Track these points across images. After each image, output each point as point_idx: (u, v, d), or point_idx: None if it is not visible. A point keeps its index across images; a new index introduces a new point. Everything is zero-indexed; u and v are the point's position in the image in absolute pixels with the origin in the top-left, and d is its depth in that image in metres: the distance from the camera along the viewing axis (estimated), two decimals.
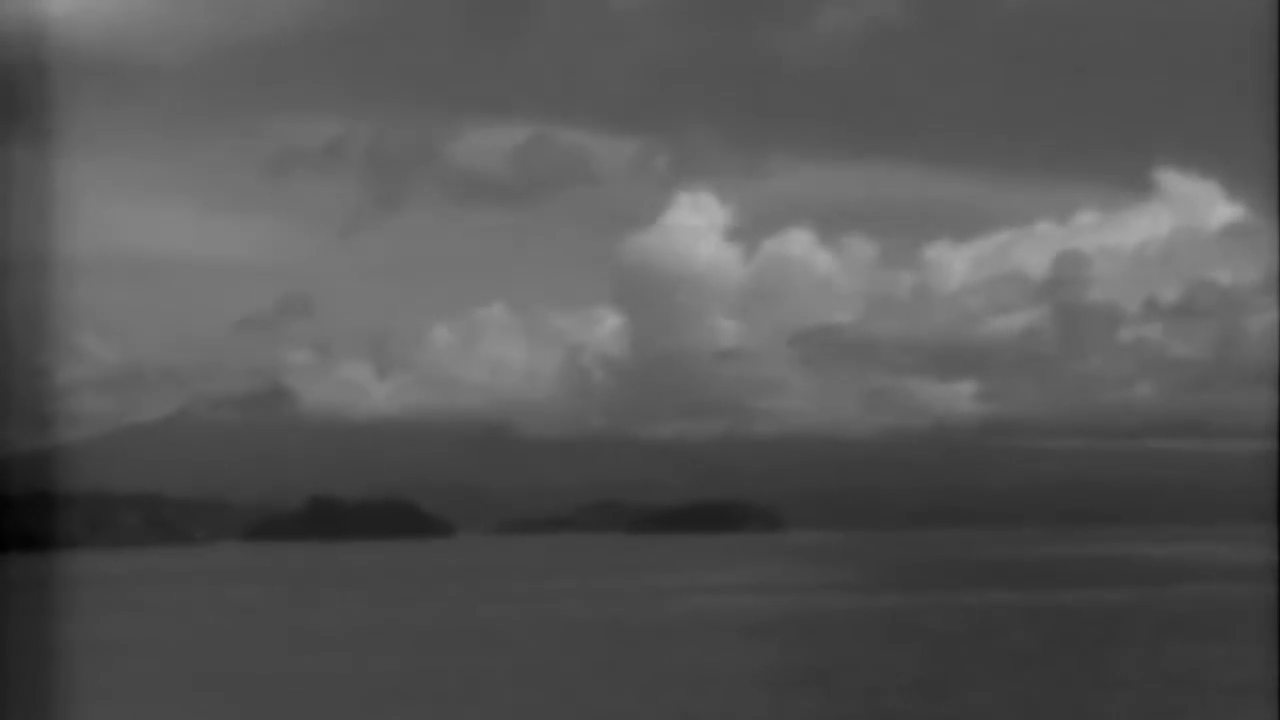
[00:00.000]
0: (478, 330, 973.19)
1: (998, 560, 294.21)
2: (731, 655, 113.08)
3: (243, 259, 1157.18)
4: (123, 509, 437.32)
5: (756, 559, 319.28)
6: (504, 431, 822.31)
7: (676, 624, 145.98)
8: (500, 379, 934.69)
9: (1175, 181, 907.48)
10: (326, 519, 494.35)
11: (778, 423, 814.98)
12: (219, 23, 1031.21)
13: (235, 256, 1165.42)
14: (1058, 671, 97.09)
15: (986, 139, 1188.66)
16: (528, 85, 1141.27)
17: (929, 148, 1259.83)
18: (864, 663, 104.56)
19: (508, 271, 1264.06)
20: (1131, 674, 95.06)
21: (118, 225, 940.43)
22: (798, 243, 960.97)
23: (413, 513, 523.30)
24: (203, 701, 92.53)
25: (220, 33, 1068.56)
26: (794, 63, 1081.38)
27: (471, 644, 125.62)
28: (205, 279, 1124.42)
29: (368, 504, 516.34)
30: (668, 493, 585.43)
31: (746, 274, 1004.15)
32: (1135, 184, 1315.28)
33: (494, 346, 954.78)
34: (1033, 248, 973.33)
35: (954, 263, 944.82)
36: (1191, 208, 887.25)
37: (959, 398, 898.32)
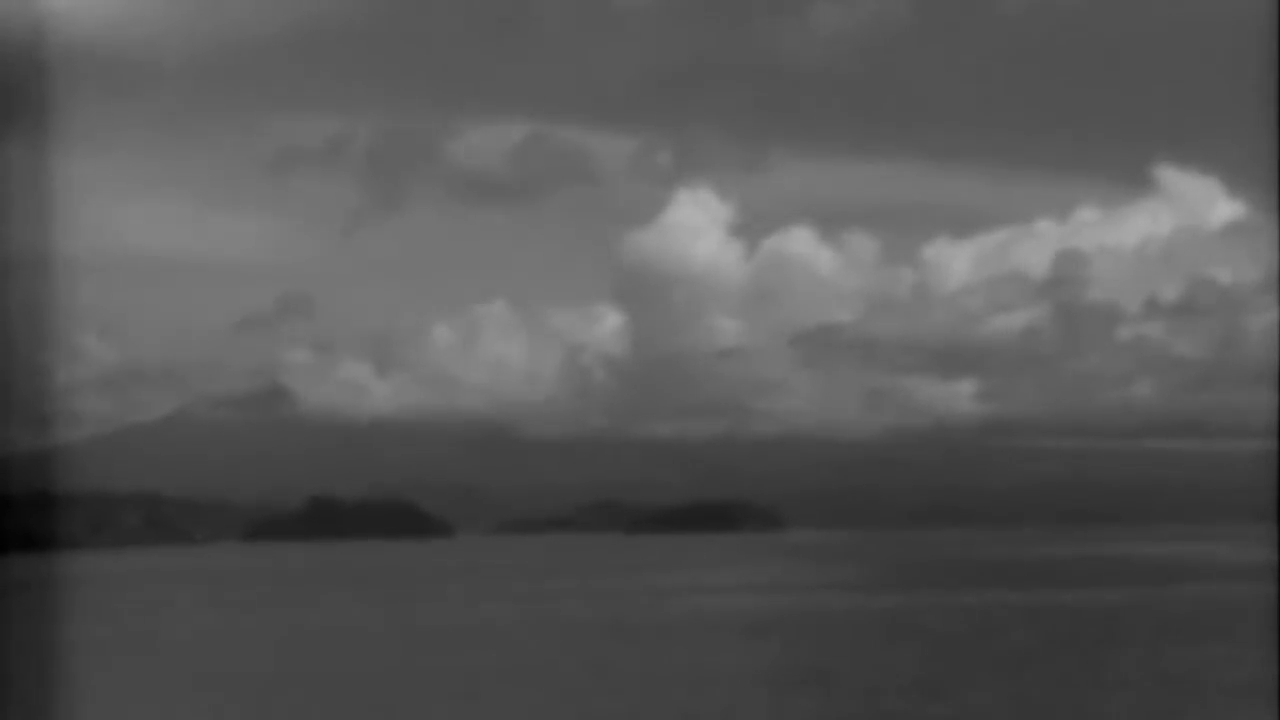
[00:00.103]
0: (478, 329, 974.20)
1: (998, 560, 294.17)
2: (731, 655, 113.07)
3: (243, 258, 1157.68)
4: (123, 509, 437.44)
5: (756, 559, 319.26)
6: (504, 431, 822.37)
7: (676, 624, 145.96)
8: (500, 378, 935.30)
9: (1175, 179, 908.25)
10: (326, 519, 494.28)
11: (778, 422, 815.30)
12: (219, 22, 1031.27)
13: (235, 256, 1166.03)
14: (1057, 672, 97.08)
15: (987, 137, 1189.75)
16: (528, 84, 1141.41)
17: (929, 146, 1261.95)
18: (863, 663, 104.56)
19: (508, 270, 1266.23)
20: (1131, 674, 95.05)
21: (118, 225, 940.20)
22: (798, 241, 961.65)
23: (412, 513, 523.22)
24: (203, 702, 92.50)
25: (220, 32, 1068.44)
26: (794, 60, 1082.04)
27: (470, 644, 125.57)
28: (205, 279, 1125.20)
29: (368, 504, 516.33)
30: (668, 492, 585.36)
31: (747, 272, 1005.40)
32: (1135, 182, 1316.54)
33: (494, 346, 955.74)
34: (1033, 246, 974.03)
35: (954, 261, 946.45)
36: (1192, 206, 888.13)
37: (959, 397, 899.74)
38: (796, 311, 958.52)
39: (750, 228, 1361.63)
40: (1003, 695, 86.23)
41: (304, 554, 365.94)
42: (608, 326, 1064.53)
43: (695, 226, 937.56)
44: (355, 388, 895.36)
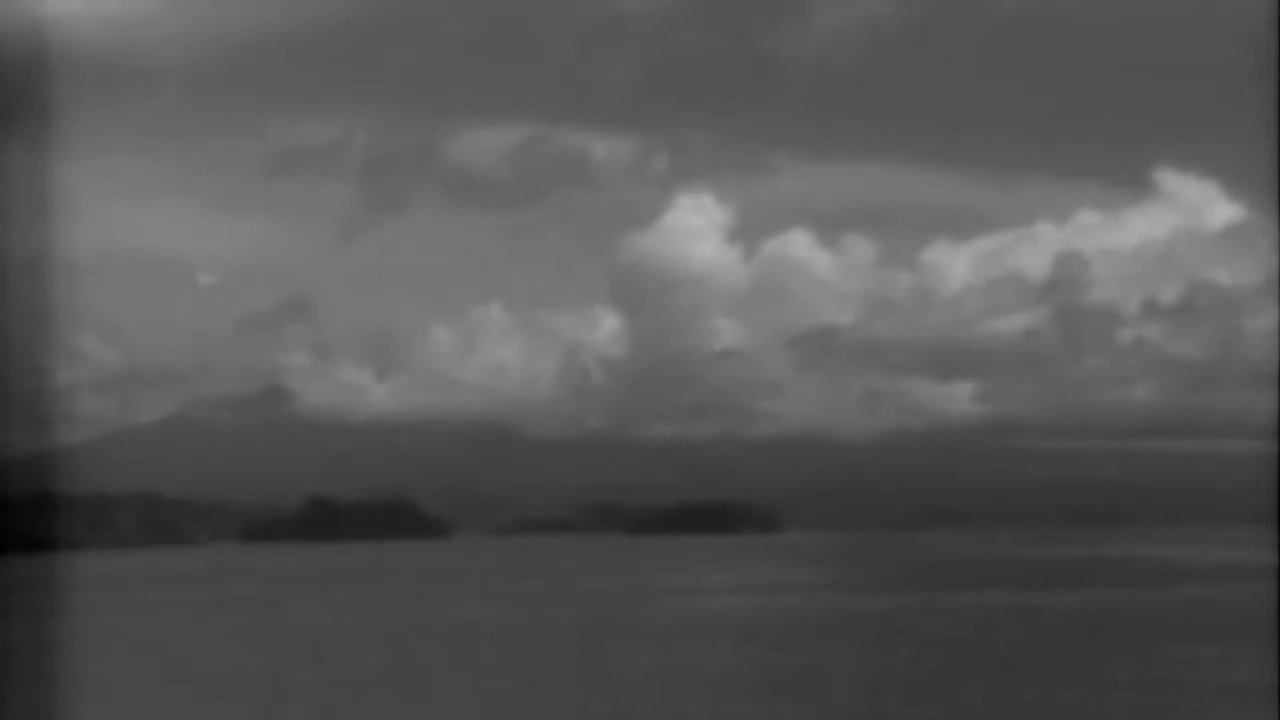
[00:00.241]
0: (476, 331, 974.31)
1: (996, 561, 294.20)
2: (726, 657, 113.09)
3: (242, 260, 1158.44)
4: (122, 510, 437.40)
5: (755, 560, 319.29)
6: (503, 432, 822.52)
7: (673, 625, 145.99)
8: (499, 380, 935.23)
9: (1175, 181, 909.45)
10: (325, 520, 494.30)
11: (777, 424, 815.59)
12: (219, 24, 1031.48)
13: (235, 258, 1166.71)
14: (1054, 673, 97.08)
15: (986, 139, 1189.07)
16: (526, 86, 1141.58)
17: (928, 148, 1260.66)
18: (859, 664, 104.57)
19: (507, 272, 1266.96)
20: (1126, 675, 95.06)
21: (118, 226, 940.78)
22: (797, 243, 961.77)
23: (411, 513, 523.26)
24: (202, 702, 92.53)
25: (220, 34, 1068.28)
26: (794, 63, 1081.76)
27: (470, 645, 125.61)
28: (205, 280, 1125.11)
29: (367, 505, 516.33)
30: (666, 493, 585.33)
31: (746, 275, 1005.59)
32: (1135, 184, 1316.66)
33: (493, 347, 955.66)
34: (1032, 249, 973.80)
35: (953, 264, 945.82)
36: (1191, 208, 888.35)
37: (958, 398, 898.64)
38: (796, 313, 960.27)
39: (749, 230, 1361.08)
40: (998, 697, 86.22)
41: (303, 555, 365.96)
42: (607, 328, 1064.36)
43: (694, 229, 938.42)
44: (354, 389, 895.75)
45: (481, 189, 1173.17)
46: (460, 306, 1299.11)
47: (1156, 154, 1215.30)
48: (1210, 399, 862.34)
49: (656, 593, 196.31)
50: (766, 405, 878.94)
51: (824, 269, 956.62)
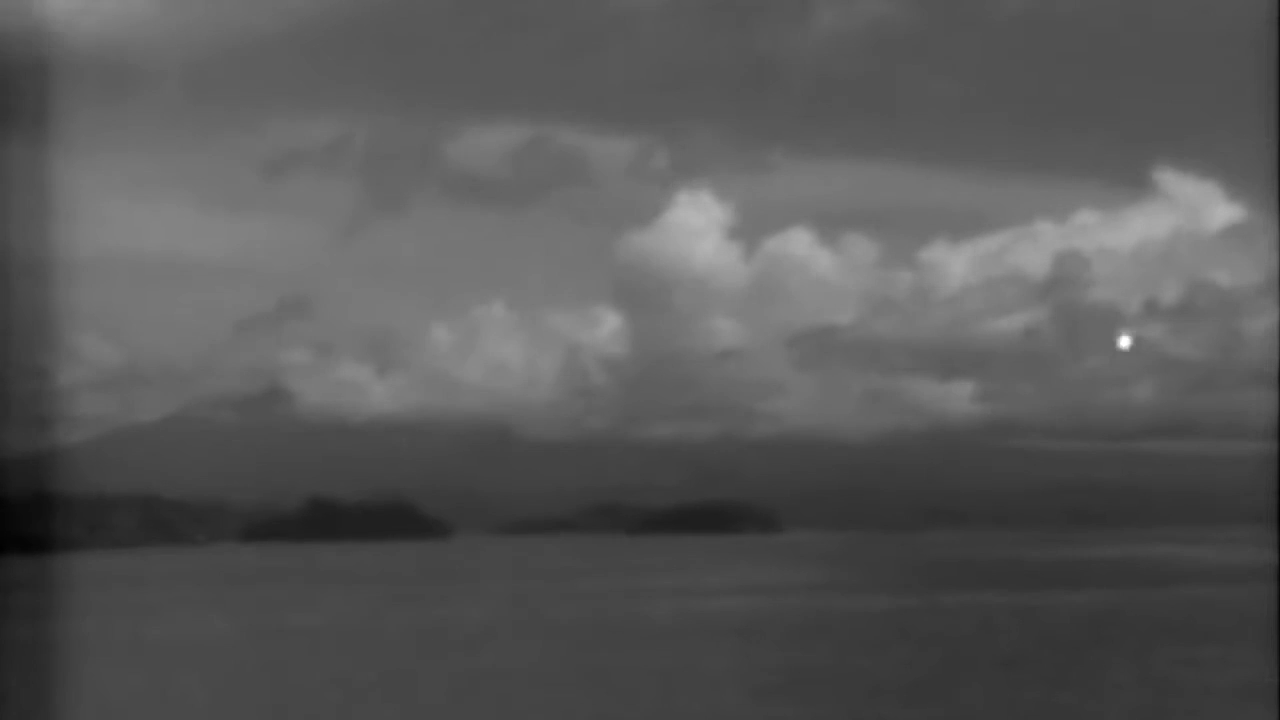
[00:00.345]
0: (477, 331, 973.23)
1: (996, 561, 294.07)
2: (724, 657, 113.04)
3: (242, 259, 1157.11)
4: (121, 510, 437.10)
5: (755, 560, 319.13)
6: (503, 432, 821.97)
7: (671, 625, 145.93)
8: (499, 380, 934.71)
9: (1175, 181, 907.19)
10: (325, 520, 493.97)
11: (777, 424, 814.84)
12: (219, 23, 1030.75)
13: (235, 257, 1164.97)
14: (1055, 674, 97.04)
15: (985, 138, 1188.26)
16: (527, 85, 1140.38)
17: (928, 147, 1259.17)
18: (857, 665, 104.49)
19: (507, 272, 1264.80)
20: (1128, 676, 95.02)
21: (117, 225, 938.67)
22: (797, 243, 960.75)
23: (411, 514, 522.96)
24: (201, 701, 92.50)
25: (220, 33, 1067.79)
26: (793, 62, 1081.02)
27: (469, 645, 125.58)
28: (205, 279, 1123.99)
29: (366, 505, 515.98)
30: (667, 494, 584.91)
31: (746, 274, 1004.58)
32: (1135, 184, 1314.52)
33: (493, 347, 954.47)
34: (1032, 248, 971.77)
35: (953, 263, 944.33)
36: (1191, 208, 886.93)
37: (958, 399, 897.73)
38: (796, 313, 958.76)
39: (749, 229, 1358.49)
40: (998, 697, 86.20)
41: (303, 555, 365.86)
42: (607, 328, 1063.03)
43: (694, 228, 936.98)
44: (355, 389, 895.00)
45: (481, 188, 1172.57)
46: (460, 306, 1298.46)
47: (1156, 154, 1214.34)
48: (1210, 399, 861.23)
49: (656, 593, 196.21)
50: (766, 405, 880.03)
51: (824, 268, 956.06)
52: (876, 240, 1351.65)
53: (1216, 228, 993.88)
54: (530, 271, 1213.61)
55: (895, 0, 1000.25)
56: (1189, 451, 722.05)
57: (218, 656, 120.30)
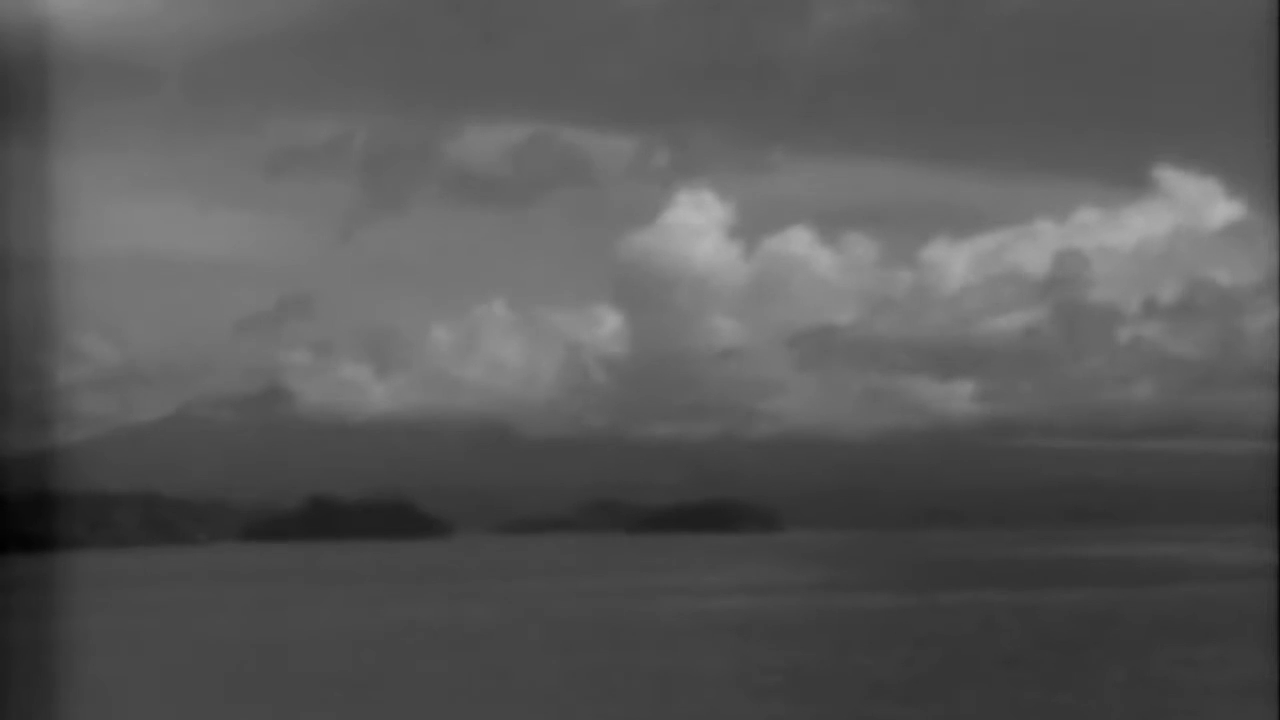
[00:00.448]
0: (477, 330, 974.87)
1: (996, 560, 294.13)
2: (721, 656, 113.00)
3: (242, 258, 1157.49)
4: (122, 509, 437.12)
5: (755, 559, 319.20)
6: (503, 431, 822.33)
7: (669, 624, 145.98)
8: (499, 378, 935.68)
9: (1175, 180, 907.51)
10: (325, 519, 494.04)
11: (777, 423, 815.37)
12: (219, 22, 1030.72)
13: (235, 256, 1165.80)
14: (1055, 673, 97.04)
15: (985, 137, 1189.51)
16: (527, 84, 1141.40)
17: (929, 146, 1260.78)
18: (859, 664, 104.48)
19: (507, 271, 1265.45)
20: (1127, 675, 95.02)
21: (117, 225, 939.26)
22: (798, 242, 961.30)
23: (411, 513, 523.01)
24: (200, 701, 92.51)
25: (220, 31, 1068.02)
26: (794, 61, 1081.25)
27: (466, 644, 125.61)
28: (205, 279, 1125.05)
29: (367, 504, 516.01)
30: (667, 493, 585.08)
31: (746, 273, 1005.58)
32: (1135, 183, 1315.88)
33: (493, 346, 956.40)
34: (1032, 247, 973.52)
35: (953, 262, 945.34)
36: (1191, 207, 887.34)
37: (958, 398, 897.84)
38: (796, 312, 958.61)
39: (749, 228, 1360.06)
40: (997, 697, 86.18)
41: (303, 554, 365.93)
42: (607, 327, 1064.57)
43: (695, 227, 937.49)
44: (355, 388, 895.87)
45: (482, 187, 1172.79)
46: (461, 305, 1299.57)
47: (1156, 152, 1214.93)
48: (1210, 398, 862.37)
49: (656, 591, 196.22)
50: (766, 404, 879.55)
51: (824, 267, 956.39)
52: (876, 239, 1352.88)
53: (1216, 226, 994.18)
54: (530, 271, 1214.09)
55: None
56: (1189, 450, 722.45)
57: (217, 656, 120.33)
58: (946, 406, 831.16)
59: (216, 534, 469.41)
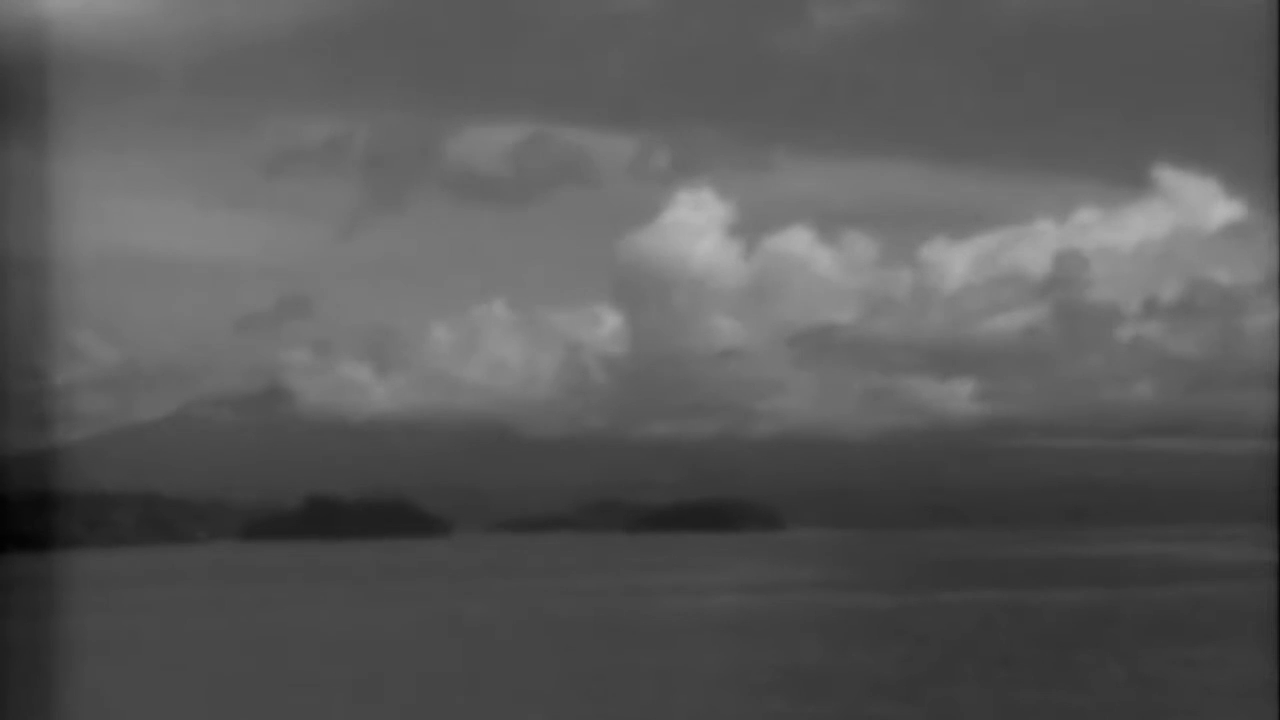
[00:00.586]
0: (477, 329, 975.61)
1: (995, 560, 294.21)
2: (718, 655, 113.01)
3: (242, 258, 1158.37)
4: (121, 508, 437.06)
5: (755, 558, 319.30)
6: (503, 431, 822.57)
7: (667, 623, 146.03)
8: (499, 378, 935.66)
9: (1174, 179, 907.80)
10: (325, 518, 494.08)
11: (777, 422, 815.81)
12: (218, 22, 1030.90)
13: (235, 256, 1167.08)
14: (1054, 673, 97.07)
15: (985, 137, 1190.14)
16: (526, 83, 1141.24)
17: (928, 146, 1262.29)
18: (857, 663, 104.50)
19: (507, 270, 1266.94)
20: (1127, 675, 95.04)
21: (117, 224, 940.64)
22: (797, 241, 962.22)
23: (411, 512, 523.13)
24: (199, 701, 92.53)
25: (220, 32, 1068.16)
26: (793, 60, 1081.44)
27: (465, 643, 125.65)
28: (205, 279, 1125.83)
29: (366, 503, 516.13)
30: (667, 492, 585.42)
31: (746, 273, 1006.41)
32: (1134, 182, 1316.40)
33: (493, 346, 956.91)
34: (1032, 247, 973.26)
35: (953, 262, 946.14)
36: (1191, 206, 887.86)
37: (958, 397, 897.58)
38: (796, 312, 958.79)
39: (749, 228, 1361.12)
40: (996, 696, 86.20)
41: (302, 553, 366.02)
42: (607, 326, 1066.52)
43: (694, 227, 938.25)
44: (354, 387, 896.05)
45: (482, 186, 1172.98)
46: (460, 304, 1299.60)
47: (1156, 152, 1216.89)
48: (1210, 398, 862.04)
49: (655, 590, 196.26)
50: (766, 404, 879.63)
51: (824, 267, 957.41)
52: (876, 239, 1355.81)
53: (1216, 226, 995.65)
54: (530, 271, 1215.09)
55: None
56: (1189, 450, 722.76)
57: (216, 655, 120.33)
58: (946, 406, 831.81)
59: (216, 533, 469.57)
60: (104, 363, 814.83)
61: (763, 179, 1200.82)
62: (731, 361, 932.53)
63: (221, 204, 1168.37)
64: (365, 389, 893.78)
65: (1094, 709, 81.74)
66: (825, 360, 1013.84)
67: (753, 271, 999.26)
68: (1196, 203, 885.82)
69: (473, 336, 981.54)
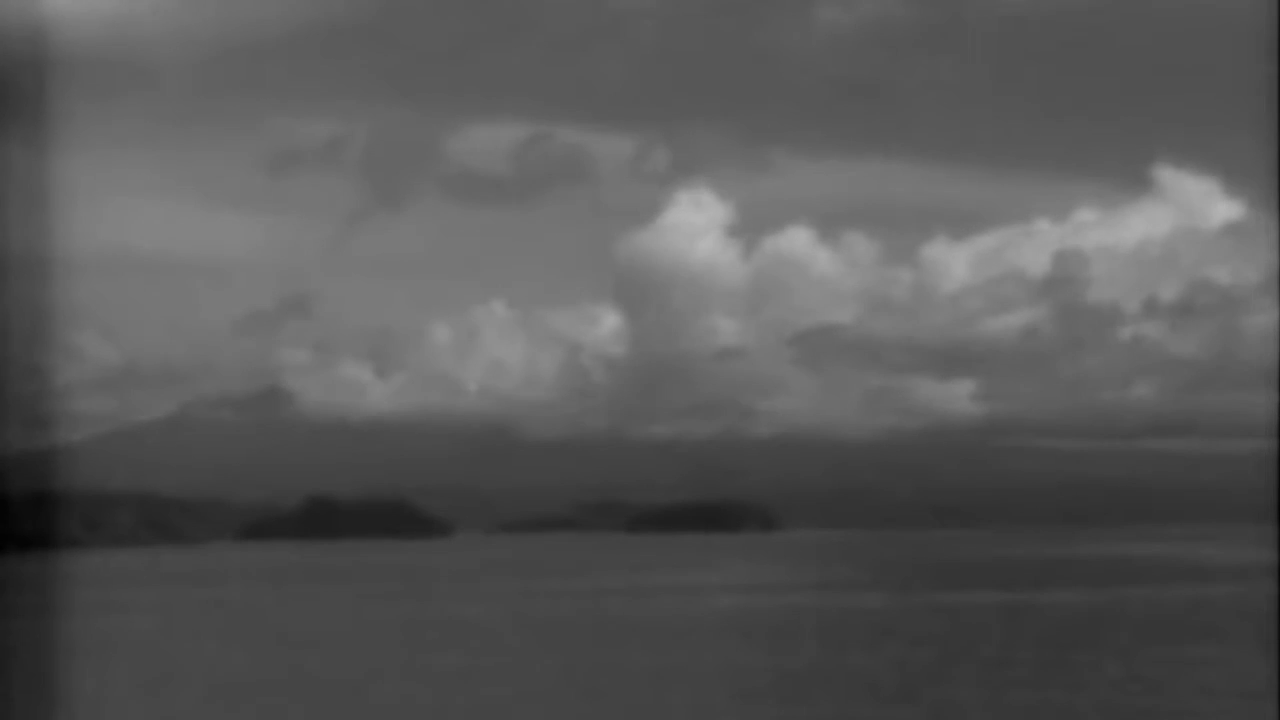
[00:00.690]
0: (477, 329, 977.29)
1: (995, 560, 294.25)
2: (723, 656, 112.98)
3: (242, 258, 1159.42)
4: (120, 509, 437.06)
5: (754, 558, 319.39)
6: (503, 431, 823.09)
7: (671, 623, 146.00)
8: (499, 378, 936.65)
9: (1174, 179, 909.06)
10: (324, 519, 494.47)
11: (776, 422, 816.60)
12: (218, 22, 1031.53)
13: (235, 256, 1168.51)
14: (1053, 673, 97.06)
15: (985, 137, 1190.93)
16: (526, 83, 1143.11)
17: (928, 146, 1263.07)
18: (855, 663, 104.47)
19: (507, 270, 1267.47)
20: (1125, 675, 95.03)
21: (117, 224, 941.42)
22: (797, 241, 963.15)
23: (411, 512, 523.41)
24: (198, 700, 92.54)
25: (220, 32, 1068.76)
26: (793, 60, 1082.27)
27: (462, 643, 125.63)
28: (205, 279, 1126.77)
29: (366, 503, 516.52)
30: (666, 492, 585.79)
31: (745, 273, 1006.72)
32: (1134, 182, 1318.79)
33: (493, 346, 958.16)
34: (1032, 247, 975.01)
35: (953, 262, 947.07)
36: (1191, 206, 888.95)
37: (958, 397, 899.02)
38: (795, 312, 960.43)
39: (749, 228, 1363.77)
40: (993, 697, 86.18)
41: (301, 554, 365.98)
42: (606, 327, 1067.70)
43: (694, 227, 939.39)
44: (354, 388, 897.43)
45: (482, 186, 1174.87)
46: (460, 304, 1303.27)
47: (1156, 151, 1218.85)
48: (1210, 398, 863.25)
49: (654, 591, 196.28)
50: (766, 404, 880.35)
51: (824, 267, 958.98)
52: (876, 238, 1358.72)
53: (1216, 226, 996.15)
54: (530, 270, 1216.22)
55: None
56: (1189, 450, 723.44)
57: (216, 655, 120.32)
58: (946, 406, 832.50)
59: (215, 533, 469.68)
60: (104, 362, 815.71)
61: (762, 179, 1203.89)
62: (731, 361, 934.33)
63: (222, 204, 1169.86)
64: (365, 389, 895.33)
65: (1093, 709, 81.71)
66: (825, 360, 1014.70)
67: (752, 271, 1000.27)
68: (1196, 203, 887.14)
69: (472, 336, 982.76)
